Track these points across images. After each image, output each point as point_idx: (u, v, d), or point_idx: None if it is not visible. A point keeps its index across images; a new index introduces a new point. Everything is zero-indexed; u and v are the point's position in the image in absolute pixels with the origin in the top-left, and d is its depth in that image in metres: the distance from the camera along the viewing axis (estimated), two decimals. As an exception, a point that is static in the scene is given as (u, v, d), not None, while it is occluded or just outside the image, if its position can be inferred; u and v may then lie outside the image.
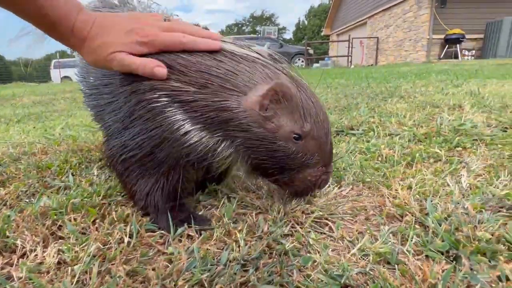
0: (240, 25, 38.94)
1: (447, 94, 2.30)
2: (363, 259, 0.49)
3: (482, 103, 1.77)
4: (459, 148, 1.06)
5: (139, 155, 0.60)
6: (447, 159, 0.96)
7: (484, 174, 0.83)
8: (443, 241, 0.50)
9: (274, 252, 0.52)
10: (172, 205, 0.63)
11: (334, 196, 0.71)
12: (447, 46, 8.48)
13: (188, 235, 0.59)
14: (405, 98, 2.28)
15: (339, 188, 0.76)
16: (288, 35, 37.84)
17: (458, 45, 8.36)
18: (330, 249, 0.52)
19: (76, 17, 0.55)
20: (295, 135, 0.56)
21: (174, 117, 0.56)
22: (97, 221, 0.64)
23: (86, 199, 0.71)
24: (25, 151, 1.26)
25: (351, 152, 1.05)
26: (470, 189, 0.74)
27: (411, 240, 0.52)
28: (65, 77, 14.43)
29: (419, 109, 1.78)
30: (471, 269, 0.44)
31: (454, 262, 0.47)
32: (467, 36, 8.32)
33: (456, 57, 8.40)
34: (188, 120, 0.56)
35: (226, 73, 0.56)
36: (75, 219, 0.65)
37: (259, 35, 18.54)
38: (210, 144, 0.56)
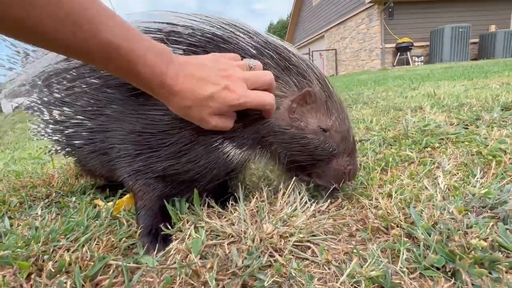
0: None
1: (406, 97, 2.40)
2: (355, 287, 0.42)
3: (440, 103, 1.84)
4: (429, 149, 1.06)
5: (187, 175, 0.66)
6: (419, 161, 0.94)
7: (458, 173, 0.81)
8: (436, 254, 0.45)
9: (252, 291, 0.43)
10: None
11: (313, 213, 0.64)
12: (398, 53, 9.09)
13: (147, 281, 0.49)
14: (369, 103, 2.34)
15: (317, 203, 0.70)
16: (251, 52, 38.59)
17: (408, 52, 9.00)
18: (316, 279, 0.45)
19: (167, 72, 0.52)
20: (321, 129, 0.67)
21: (225, 149, 0.65)
22: (33, 275, 0.52)
23: (19, 249, 0.58)
24: (-47, 194, 1.07)
25: (324, 162, 1.00)
26: (449, 190, 0.72)
27: (403, 256, 0.47)
28: (17, 107, 13.44)
29: (383, 113, 1.82)
30: (473, 284, 0.39)
31: (452, 278, 0.42)
32: (415, 44, 9.00)
33: (407, 63, 9.01)
34: (233, 147, 0.66)
35: None
36: (4, 277, 0.52)
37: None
38: (251, 157, 0.69)
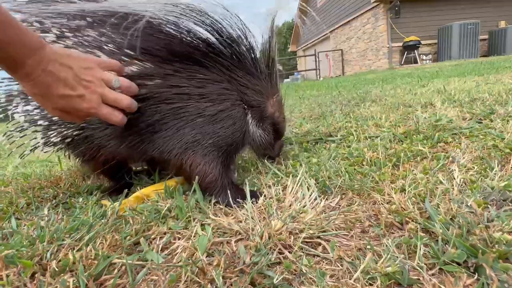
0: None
1: (415, 94, 2.35)
2: (370, 284, 0.40)
3: (451, 99, 1.80)
4: (441, 144, 1.02)
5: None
6: (432, 156, 0.91)
7: (474, 167, 0.78)
8: (457, 249, 0.43)
9: (260, 289, 0.41)
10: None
11: (323, 209, 0.62)
12: (406, 52, 8.97)
13: (152, 279, 0.47)
14: (377, 101, 2.29)
15: (326, 199, 0.68)
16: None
17: (415, 50, 8.87)
18: (328, 276, 0.43)
19: (26, 63, 0.56)
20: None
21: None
22: (37, 275, 0.51)
23: (24, 248, 0.57)
24: (-37, 196, 1.08)
25: (333, 159, 0.98)
26: (465, 184, 0.68)
27: (420, 252, 0.44)
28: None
29: (392, 110, 1.78)
30: (500, 280, 0.36)
31: (475, 273, 0.39)
32: (423, 42, 8.87)
33: (415, 62, 8.89)
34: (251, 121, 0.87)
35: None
36: (7, 277, 0.51)
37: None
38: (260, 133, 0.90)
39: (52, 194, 1.02)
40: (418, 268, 0.41)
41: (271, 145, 0.94)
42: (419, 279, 0.39)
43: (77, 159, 0.98)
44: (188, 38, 0.78)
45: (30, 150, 0.93)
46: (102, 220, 0.67)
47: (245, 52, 0.83)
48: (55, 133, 0.85)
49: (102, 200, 0.88)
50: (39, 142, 0.89)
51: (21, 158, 0.97)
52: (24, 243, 0.60)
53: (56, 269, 0.49)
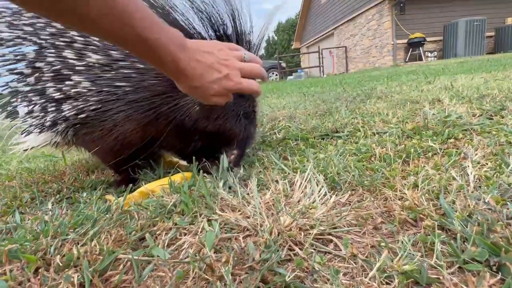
0: (211, 45, 39.15)
1: (422, 90, 2.31)
2: (387, 283, 0.38)
3: (460, 95, 1.76)
4: (452, 140, 1.00)
5: None
6: (443, 152, 0.89)
7: (487, 163, 0.76)
8: (477, 247, 0.41)
9: (272, 287, 0.40)
10: None
11: (333, 205, 0.60)
12: (411, 49, 8.88)
13: (158, 275, 0.46)
14: (383, 98, 2.26)
15: (336, 195, 0.66)
16: (260, 51, 38.58)
17: (420, 47, 8.78)
18: (342, 274, 0.41)
19: (181, 58, 0.60)
20: None
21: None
22: (41, 270, 0.50)
23: (28, 243, 0.56)
24: (-34, 191, 1.07)
25: (341, 155, 0.96)
26: (480, 180, 0.66)
27: (438, 249, 0.42)
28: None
29: (399, 107, 1.75)
30: (525, 280, 0.34)
31: (498, 273, 0.37)
32: (428, 39, 8.78)
33: (420, 59, 8.80)
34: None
35: None
36: (11, 271, 0.50)
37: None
38: None
39: (56, 188, 1.01)
40: (438, 267, 0.39)
41: None
42: (438, 278, 0.38)
43: (79, 139, 0.94)
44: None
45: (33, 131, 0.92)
46: (107, 215, 0.66)
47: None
48: (69, 107, 0.84)
49: (106, 195, 0.87)
50: (45, 121, 0.88)
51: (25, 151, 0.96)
52: (28, 238, 0.59)
53: (60, 264, 0.48)
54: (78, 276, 0.45)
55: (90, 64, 0.81)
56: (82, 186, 1.01)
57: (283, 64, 14.33)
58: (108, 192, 0.93)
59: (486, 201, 0.51)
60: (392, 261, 0.41)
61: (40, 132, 0.92)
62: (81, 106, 0.83)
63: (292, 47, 20.38)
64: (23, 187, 1.07)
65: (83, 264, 0.47)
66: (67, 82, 0.82)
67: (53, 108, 0.86)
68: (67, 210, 0.78)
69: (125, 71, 0.81)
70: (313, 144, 1.17)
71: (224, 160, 0.90)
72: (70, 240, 0.56)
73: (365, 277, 0.39)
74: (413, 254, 0.42)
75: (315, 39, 15.34)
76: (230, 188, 0.75)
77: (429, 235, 0.46)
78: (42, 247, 0.55)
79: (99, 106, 0.83)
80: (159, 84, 0.80)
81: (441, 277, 0.38)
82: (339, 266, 0.43)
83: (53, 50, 0.83)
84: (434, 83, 2.69)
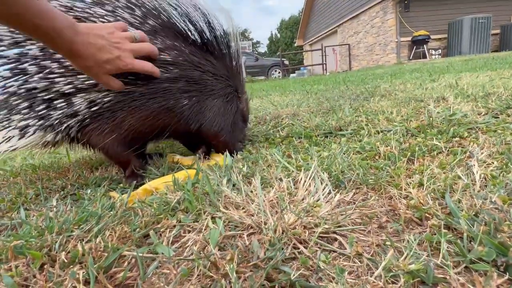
0: (214, 42, 38.99)
1: (426, 89, 2.29)
2: (393, 282, 0.38)
3: (465, 94, 1.75)
4: (457, 138, 0.99)
5: None
6: (449, 151, 0.88)
7: (493, 162, 0.75)
8: (484, 246, 0.40)
9: (277, 285, 0.40)
10: None
11: (337, 203, 0.60)
12: (415, 47, 8.82)
13: (163, 273, 0.46)
14: (387, 96, 2.25)
15: (340, 193, 0.66)
16: (263, 49, 38.42)
17: (425, 45, 8.71)
18: (347, 273, 0.41)
19: (76, 41, 0.68)
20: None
21: None
22: (46, 266, 0.50)
23: (33, 239, 0.56)
24: (-28, 187, 1.08)
25: (344, 153, 0.95)
26: (486, 179, 0.66)
27: (444, 249, 0.42)
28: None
29: (403, 105, 1.74)
30: (533, 281, 0.34)
31: (505, 273, 0.37)
32: (432, 37, 8.71)
33: (424, 57, 8.74)
34: None
35: None
36: (16, 268, 0.50)
37: (234, 50, 18.56)
38: None
39: (60, 185, 1.01)
40: (444, 266, 0.39)
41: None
42: (445, 277, 0.37)
43: (85, 135, 0.93)
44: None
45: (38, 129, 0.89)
46: (111, 212, 0.66)
47: (231, 61, 1.06)
48: (81, 100, 0.86)
49: (110, 192, 0.88)
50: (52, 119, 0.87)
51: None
52: (33, 234, 0.60)
53: (65, 261, 0.48)
54: (83, 272, 0.45)
55: None
56: (86, 183, 1.01)
57: (286, 62, 14.28)
58: (112, 189, 0.93)
59: (493, 200, 0.51)
60: (398, 260, 0.41)
61: (34, 132, 0.88)
62: (94, 98, 0.86)
63: (295, 45, 20.30)
64: (28, 183, 1.07)
65: (88, 260, 0.47)
66: (78, 76, 0.83)
67: (62, 104, 0.86)
68: (71, 207, 0.78)
69: None
70: (317, 142, 1.17)
71: (228, 157, 0.90)
72: (75, 237, 0.57)
73: (371, 276, 0.39)
74: (419, 253, 0.42)
75: (318, 37, 15.27)
76: (234, 185, 0.75)
77: (435, 234, 0.45)
78: (47, 243, 0.55)
79: (113, 97, 0.87)
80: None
81: (447, 277, 0.37)
82: (344, 265, 0.43)
83: None
84: (439, 81, 2.67)
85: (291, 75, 12.91)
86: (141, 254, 0.49)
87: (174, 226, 0.60)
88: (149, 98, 0.89)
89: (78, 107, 0.86)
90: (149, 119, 0.93)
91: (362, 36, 10.83)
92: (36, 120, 0.87)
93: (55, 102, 0.86)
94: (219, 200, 0.66)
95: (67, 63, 0.83)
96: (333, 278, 0.40)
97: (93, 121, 0.90)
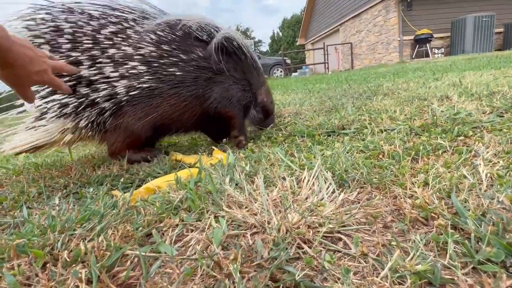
0: (216, 41, 38.90)
1: (430, 87, 2.28)
2: (399, 283, 0.37)
3: (469, 92, 1.73)
4: (462, 137, 0.98)
5: None
6: (453, 150, 0.87)
7: (499, 162, 0.74)
8: (492, 247, 0.40)
9: (281, 285, 0.39)
10: None
11: (341, 202, 0.59)
12: (417, 46, 8.76)
13: (165, 272, 0.45)
14: (389, 95, 2.24)
15: (344, 192, 0.65)
16: (265, 47, 38.32)
17: (427, 44, 8.66)
18: (352, 273, 0.40)
19: (11, 48, 0.69)
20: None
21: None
22: (48, 265, 0.50)
23: (35, 238, 0.56)
24: (-25, 185, 1.08)
25: (347, 152, 0.95)
26: (492, 179, 0.65)
27: (451, 249, 0.41)
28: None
29: (407, 104, 1.72)
30: (543, 282, 0.33)
31: (515, 274, 0.36)
32: (435, 35, 8.65)
33: (427, 55, 8.69)
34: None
35: None
36: (19, 266, 0.50)
37: (236, 49, 18.44)
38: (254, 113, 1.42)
39: (62, 183, 1.01)
40: (451, 267, 0.38)
41: (262, 121, 1.39)
42: (452, 278, 0.37)
43: (117, 118, 1.10)
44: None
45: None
46: (114, 211, 0.66)
47: (249, 58, 1.30)
48: (122, 86, 1.06)
49: (113, 191, 0.87)
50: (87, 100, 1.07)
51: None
52: (36, 233, 0.59)
53: (68, 260, 0.48)
54: (85, 271, 0.44)
55: (146, 54, 1.08)
56: (89, 181, 1.01)
57: (288, 61, 14.25)
58: (114, 186, 0.93)
59: (500, 200, 0.50)
60: (404, 260, 0.40)
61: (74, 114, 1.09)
62: (134, 83, 1.06)
63: (297, 44, 20.24)
64: (30, 182, 1.07)
65: (91, 259, 0.46)
66: (125, 66, 1.06)
67: (104, 86, 1.05)
68: (74, 205, 0.78)
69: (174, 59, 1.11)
70: (320, 141, 1.16)
71: (230, 156, 0.90)
72: (77, 235, 0.56)
73: (377, 277, 0.39)
74: (425, 254, 0.42)
75: (320, 36, 15.22)
76: (236, 184, 0.75)
77: (442, 235, 0.45)
78: (50, 242, 0.55)
79: (151, 84, 1.08)
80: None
81: (455, 278, 0.37)
82: (349, 265, 0.42)
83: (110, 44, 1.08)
84: (442, 80, 2.65)
85: (293, 74, 12.88)
86: (143, 253, 0.48)
87: (177, 225, 0.60)
88: (184, 87, 1.11)
89: (118, 89, 1.06)
90: (181, 106, 1.13)
91: (364, 34, 10.79)
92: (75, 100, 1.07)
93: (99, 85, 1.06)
94: (222, 199, 0.66)
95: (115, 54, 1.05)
96: (339, 278, 0.39)
97: (129, 105, 1.09)
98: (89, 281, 0.45)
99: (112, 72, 1.05)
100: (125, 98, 1.07)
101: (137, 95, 1.08)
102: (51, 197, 0.90)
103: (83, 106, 1.07)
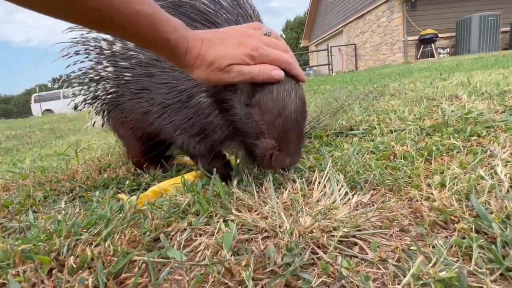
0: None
1: (437, 87, 2.24)
2: (423, 291, 0.35)
3: (478, 92, 1.70)
4: (475, 137, 0.95)
5: None
6: (467, 150, 0.85)
7: (517, 162, 0.71)
8: (521, 252, 0.37)
9: (297, 293, 0.37)
10: None
11: (355, 205, 0.57)
12: (422, 46, 8.70)
13: (175, 279, 0.43)
14: (396, 95, 2.20)
15: (357, 195, 0.63)
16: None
17: (432, 44, 8.60)
18: (371, 280, 0.38)
19: (188, 38, 0.57)
20: (245, 104, 0.67)
21: None
22: (54, 271, 0.48)
23: (40, 243, 0.55)
24: (-19, 189, 1.08)
25: (357, 153, 0.92)
26: (511, 179, 0.62)
27: (476, 255, 0.39)
28: (47, 110, 14.02)
29: (415, 104, 1.69)
30: None
31: (548, 281, 0.34)
32: (440, 35, 8.58)
33: (432, 56, 8.62)
34: None
35: None
36: (24, 273, 0.48)
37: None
38: None
39: (68, 187, 1.00)
40: (479, 274, 0.36)
41: None
42: (480, 286, 0.35)
43: None
44: None
45: None
46: (120, 215, 0.65)
47: None
48: None
49: (119, 194, 0.86)
50: None
51: None
52: (41, 238, 0.58)
53: (74, 266, 0.46)
54: (92, 278, 0.43)
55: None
56: (95, 185, 1.00)
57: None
58: (119, 189, 0.92)
59: (524, 202, 0.48)
60: (426, 267, 0.38)
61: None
62: None
63: (301, 45, 20.23)
64: (36, 185, 1.07)
65: (97, 266, 0.45)
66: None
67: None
68: (80, 209, 0.77)
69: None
70: (328, 142, 1.14)
71: (239, 157, 0.88)
72: (83, 240, 0.55)
73: (398, 284, 0.37)
74: (448, 260, 0.39)
75: (323, 37, 15.20)
76: (245, 187, 0.73)
77: (465, 239, 0.42)
78: (56, 247, 0.53)
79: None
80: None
81: (484, 286, 0.34)
82: (368, 271, 0.40)
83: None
84: (449, 80, 2.61)
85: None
86: (152, 259, 0.47)
87: (185, 229, 0.58)
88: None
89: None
90: None
91: (368, 35, 10.74)
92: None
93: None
94: (230, 202, 0.64)
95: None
96: (358, 286, 0.37)
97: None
98: (96, 288, 0.43)
99: None
100: None
101: None
102: (57, 201, 0.89)
103: None
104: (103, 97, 0.97)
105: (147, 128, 0.91)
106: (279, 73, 0.62)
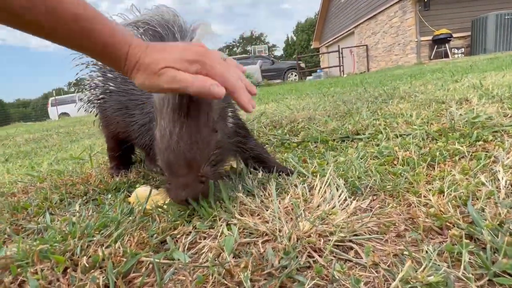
0: (231, 47, 39.57)
1: (448, 90, 2.21)
2: (410, 295, 0.37)
3: (489, 94, 1.68)
4: (481, 142, 0.95)
5: None
6: (472, 155, 0.85)
7: (521, 168, 0.71)
8: (508, 258, 0.38)
9: (290, 294, 0.39)
10: None
11: (353, 210, 0.59)
12: (436, 46, 8.54)
13: (179, 279, 0.46)
14: (406, 98, 2.19)
15: (357, 200, 0.64)
16: (279, 52, 38.44)
17: (447, 44, 8.43)
18: (363, 284, 0.40)
19: (131, 44, 0.56)
20: None
21: None
22: (69, 270, 0.52)
23: (56, 244, 0.59)
24: (3, 191, 1.14)
25: (361, 158, 0.94)
26: (511, 186, 0.63)
27: (465, 260, 0.40)
28: (63, 113, 14.47)
29: (424, 107, 1.68)
30: None
31: (533, 287, 0.35)
32: (455, 35, 8.41)
33: (446, 56, 8.45)
34: None
35: None
36: (42, 271, 0.52)
37: (251, 55, 18.61)
38: None
39: (83, 190, 1.05)
40: (465, 279, 0.37)
41: None
42: (466, 291, 0.36)
43: None
44: None
45: None
46: (130, 218, 0.68)
47: None
48: None
49: (128, 198, 0.90)
50: None
51: None
52: (57, 238, 0.62)
53: (87, 265, 0.50)
54: (103, 277, 0.46)
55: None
56: (107, 188, 1.04)
57: (302, 65, 14.22)
58: (130, 193, 0.96)
59: (519, 209, 0.48)
60: (416, 271, 0.39)
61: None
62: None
63: (311, 47, 20.18)
64: (53, 188, 1.12)
65: (108, 265, 0.48)
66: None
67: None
68: (93, 212, 0.81)
69: None
70: (333, 146, 1.15)
71: (242, 163, 0.91)
72: (95, 242, 0.59)
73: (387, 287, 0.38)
74: (438, 265, 0.41)
75: (334, 39, 15.11)
76: (248, 191, 0.76)
77: (456, 245, 0.44)
78: (70, 248, 0.58)
79: None
80: None
81: (469, 291, 0.36)
82: (360, 275, 0.42)
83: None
84: (462, 82, 2.57)
85: (308, 77, 12.83)
86: (158, 260, 0.50)
87: (190, 232, 0.61)
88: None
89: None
90: None
91: (380, 36, 10.62)
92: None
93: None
94: (234, 207, 0.67)
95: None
96: (348, 288, 0.39)
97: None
98: (106, 287, 0.46)
99: None
100: None
101: None
102: (72, 204, 0.94)
103: None
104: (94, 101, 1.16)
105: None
106: (219, 90, 0.55)
